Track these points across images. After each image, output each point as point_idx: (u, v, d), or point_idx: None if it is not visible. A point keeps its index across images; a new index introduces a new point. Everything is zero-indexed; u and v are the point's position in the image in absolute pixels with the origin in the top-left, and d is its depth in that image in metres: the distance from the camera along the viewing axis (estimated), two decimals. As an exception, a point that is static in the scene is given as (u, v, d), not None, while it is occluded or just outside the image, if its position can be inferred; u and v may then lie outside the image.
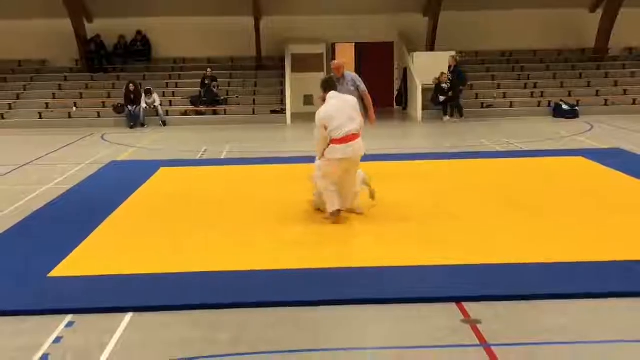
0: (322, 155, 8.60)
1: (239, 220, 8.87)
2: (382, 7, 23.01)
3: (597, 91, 22.42)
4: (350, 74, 11.07)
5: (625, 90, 22.47)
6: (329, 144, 8.47)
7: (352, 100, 8.81)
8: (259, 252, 7.46)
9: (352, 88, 10.66)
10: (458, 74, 20.91)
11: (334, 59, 9.16)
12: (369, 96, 10.91)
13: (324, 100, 8.77)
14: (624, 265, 6.71)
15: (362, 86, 10.84)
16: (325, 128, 8.42)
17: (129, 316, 5.81)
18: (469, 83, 21.87)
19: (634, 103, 21.85)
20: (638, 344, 5.11)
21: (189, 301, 6.05)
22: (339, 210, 8.59)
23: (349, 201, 8.89)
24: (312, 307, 5.91)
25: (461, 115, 20.67)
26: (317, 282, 6.48)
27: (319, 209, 9.06)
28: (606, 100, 21.98)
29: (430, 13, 23.12)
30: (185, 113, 22.01)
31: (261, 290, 6.30)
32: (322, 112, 8.52)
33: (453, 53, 21.36)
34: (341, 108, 8.53)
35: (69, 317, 5.81)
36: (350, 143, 8.40)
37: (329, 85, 8.97)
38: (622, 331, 5.31)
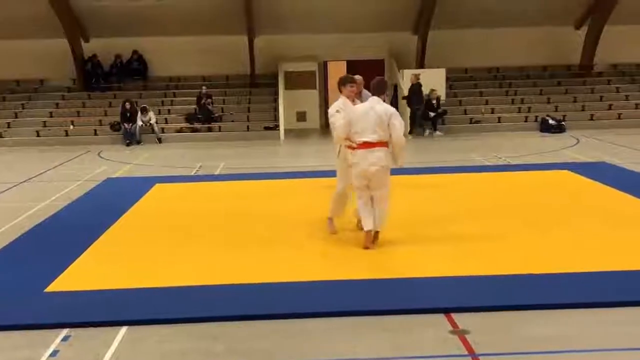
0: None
1: (232, 235, 8.88)
2: (373, 25, 23.12)
3: (583, 106, 22.55)
4: (367, 92, 11.09)
5: (610, 105, 22.60)
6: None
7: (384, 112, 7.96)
8: (251, 265, 7.47)
9: None
10: (414, 92, 20.94)
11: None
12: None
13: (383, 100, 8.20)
14: (609, 276, 6.74)
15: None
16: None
17: (124, 330, 5.80)
18: (458, 99, 21.97)
19: (619, 118, 21.97)
20: (622, 353, 5.12)
21: (183, 314, 6.06)
22: (369, 231, 8.01)
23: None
24: (303, 318, 5.93)
25: (410, 133, 20.29)
26: (307, 294, 6.50)
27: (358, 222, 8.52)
28: (592, 115, 22.10)
29: (420, 31, 23.26)
30: (180, 130, 22.04)
31: (254, 302, 6.30)
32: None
33: (417, 72, 21.48)
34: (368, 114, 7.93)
35: (65, 331, 5.80)
36: (368, 149, 7.87)
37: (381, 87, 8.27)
38: (607, 340, 5.33)
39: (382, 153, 7.93)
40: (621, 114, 22.14)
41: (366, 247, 7.92)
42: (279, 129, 21.47)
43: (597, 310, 5.91)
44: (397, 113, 8.11)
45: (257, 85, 23.90)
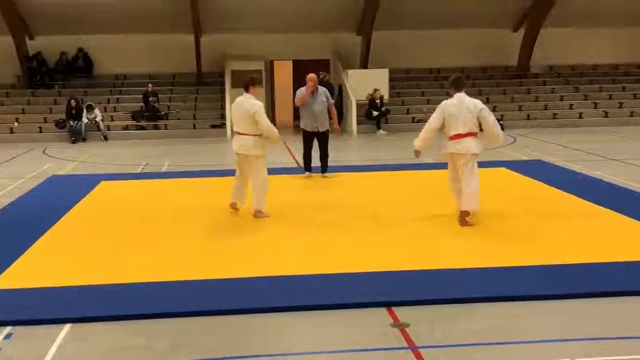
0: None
1: (177, 232, 8.78)
2: (318, 26, 23.17)
3: (520, 106, 22.98)
4: (322, 88, 12.50)
5: (545, 106, 23.08)
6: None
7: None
8: (196, 262, 7.41)
9: (324, 99, 12.14)
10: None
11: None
12: (334, 109, 12.58)
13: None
14: (546, 269, 6.88)
15: (332, 100, 12.49)
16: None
17: (67, 327, 5.68)
18: (401, 99, 22.16)
19: (554, 117, 22.46)
20: (558, 344, 5.22)
21: (128, 311, 5.96)
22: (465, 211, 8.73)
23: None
24: (246, 314, 5.89)
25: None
26: (250, 289, 6.46)
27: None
28: (528, 115, 22.54)
29: (363, 32, 23.38)
30: (126, 128, 21.72)
31: (198, 298, 6.24)
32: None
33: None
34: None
35: (7, 329, 5.66)
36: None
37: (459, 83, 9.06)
38: (544, 332, 5.43)
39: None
40: (556, 114, 22.63)
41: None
42: (225, 127, 21.34)
43: (536, 303, 6.01)
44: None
45: (204, 84, 23.72)
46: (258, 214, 9.43)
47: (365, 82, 21.68)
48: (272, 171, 13.37)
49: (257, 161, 9.42)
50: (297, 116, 26.00)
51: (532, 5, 23.31)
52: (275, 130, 9.54)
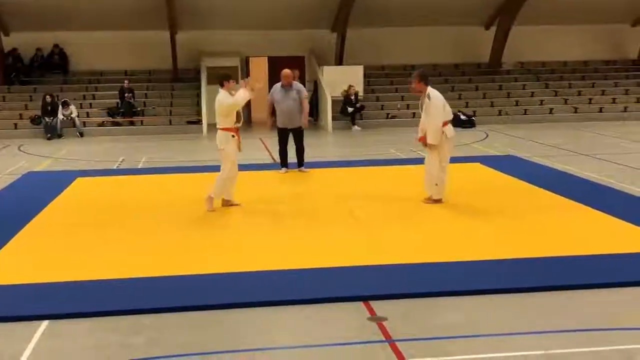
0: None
1: (154, 228, 8.71)
2: (293, 23, 23.08)
3: (492, 102, 23.11)
4: (297, 83, 12.59)
5: (517, 102, 23.23)
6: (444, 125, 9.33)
7: None
8: (172, 257, 7.33)
9: (296, 96, 12.26)
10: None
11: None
12: (306, 102, 12.55)
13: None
14: (519, 262, 6.91)
15: (304, 94, 12.48)
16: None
17: (44, 324, 5.60)
18: (375, 95, 22.18)
19: (525, 113, 22.61)
20: (532, 336, 5.24)
21: (105, 307, 5.89)
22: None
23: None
24: (222, 309, 5.85)
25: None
26: (226, 285, 6.41)
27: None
28: (500, 110, 22.67)
29: (338, 29, 23.35)
30: (102, 124, 21.50)
31: (176, 294, 6.18)
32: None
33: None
34: None
35: (-17, 327, 5.56)
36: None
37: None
38: (518, 324, 5.45)
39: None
40: (527, 109, 22.79)
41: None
42: (202, 123, 21.21)
43: (506, 296, 6.03)
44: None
45: (180, 80, 23.54)
46: (207, 200, 9.57)
47: (340, 79, 21.66)
48: (248, 167, 13.42)
49: (221, 153, 9.77)
50: (272, 112, 25.98)
51: (503, 2, 23.42)
52: (241, 94, 9.53)
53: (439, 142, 9.45)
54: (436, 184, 9.61)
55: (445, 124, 9.44)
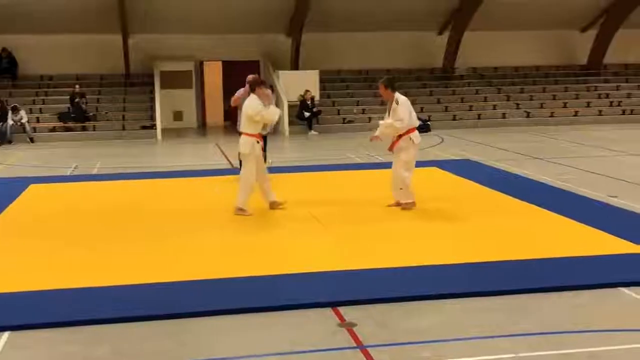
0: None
1: (112, 235, 8.54)
2: (248, 27, 22.99)
3: (446, 107, 23.37)
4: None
5: (470, 107, 23.53)
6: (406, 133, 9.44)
7: None
8: (136, 265, 7.21)
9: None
10: None
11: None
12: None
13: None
14: (482, 266, 6.98)
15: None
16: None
17: (6, 335, 5.44)
18: (332, 100, 22.24)
19: (478, 118, 22.92)
20: (497, 340, 5.29)
21: (68, 317, 5.75)
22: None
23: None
24: (189, 318, 5.76)
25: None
26: (192, 293, 6.33)
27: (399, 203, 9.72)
28: (454, 115, 22.93)
29: (293, 34, 23.34)
30: (53, 129, 21.08)
31: (141, 303, 6.07)
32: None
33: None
34: None
35: (-59, 340, 5.38)
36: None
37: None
38: (487, 328, 5.48)
39: None
40: (480, 114, 23.11)
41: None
42: (155, 128, 20.97)
43: (473, 299, 6.08)
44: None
45: (133, 85, 23.23)
46: (238, 212, 9.42)
47: (296, 84, 21.65)
48: (204, 173, 13.34)
49: (244, 158, 9.61)
50: (227, 117, 25.86)
51: (456, 8, 23.71)
52: (272, 112, 9.49)
53: (383, 136, 9.74)
54: (400, 188, 9.68)
55: (411, 130, 9.55)
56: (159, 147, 19.43)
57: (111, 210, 10.08)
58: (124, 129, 21.39)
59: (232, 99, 12.10)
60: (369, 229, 8.68)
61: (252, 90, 9.54)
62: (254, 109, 9.33)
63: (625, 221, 8.81)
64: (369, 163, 14.74)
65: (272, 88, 21.47)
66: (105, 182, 12.64)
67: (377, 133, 9.77)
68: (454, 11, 23.86)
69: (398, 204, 9.76)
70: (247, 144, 9.42)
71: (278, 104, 22.09)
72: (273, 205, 9.74)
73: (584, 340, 5.27)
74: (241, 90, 11.97)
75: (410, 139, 9.55)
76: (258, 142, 9.50)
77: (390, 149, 9.80)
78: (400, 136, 9.56)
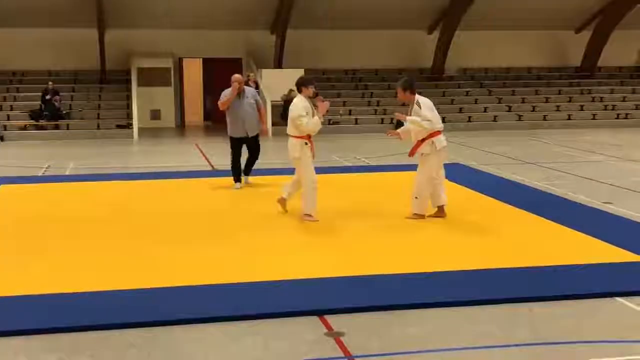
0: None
1: (87, 239, 8.50)
2: (230, 23, 23.01)
3: (436, 109, 23.41)
4: (250, 89, 12.18)
5: (460, 109, 23.68)
6: (429, 137, 9.12)
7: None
8: (111, 271, 7.17)
9: (252, 102, 11.78)
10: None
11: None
12: (264, 110, 12.25)
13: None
14: (475, 274, 7.02)
15: (260, 100, 12.10)
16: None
17: (-22, 344, 5.42)
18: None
19: (469, 120, 23.06)
20: (488, 350, 5.33)
21: (43, 325, 5.72)
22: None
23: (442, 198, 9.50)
24: (170, 326, 5.75)
25: None
26: (177, 300, 6.32)
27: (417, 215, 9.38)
28: (444, 117, 22.82)
29: (278, 31, 23.37)
30: (24, 128, 20.97)
31: (118, 310, 6.05)
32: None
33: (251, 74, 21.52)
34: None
35: None
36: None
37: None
38: (478, 337, 5.53)
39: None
40: (471, 117, 23.25)
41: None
42: (132, 128, 20.92)
43: (472, 308, 6.11)
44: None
45: (109, 82, 23.19)
46: (305, 217, 9.34)
47: (279, 83, 21.69)
48: (183, 174, 13.31)
49: (296, 163, 9.47)
50: (207, 117, 25.83)
51: (447, 6, 23.85)
52: (314, 123, 9.26)
53: (404, 134, 9.44)
54: (415, 197, 9.30)
55: (434, 134, 9.21)
56: (136, 147, 19.37)
57: (85, 212, 10.03)
58: (98, 128, 21.33)
59: (220, 102, 11.65)
60: (357, 235, 8.69)
61: (299, 90, 9.39)
62: (297, 112, 9.14)
63: (620, 229, 8.89)
64: (356, 166, 14.78)
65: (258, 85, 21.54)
66: (79, 183, 12.59)
67: (402, 128, 9.45)
68: (445, 9, 24.00)
69: (437, 215, 9.44)
70: (296, 147, 9.27)
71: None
72: (281, 202, 9.77)
73: (579, 351, 5.32)
74: (227, 92, 11.64)
75: (433, 143, 9.18)
76: (307, 143, 9.31)
77: (411, 154, 9.42)
78: (421, 140, 9.19)
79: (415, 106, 9.19)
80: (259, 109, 11.95)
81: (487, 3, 23.14)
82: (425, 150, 9.19)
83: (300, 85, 9.42)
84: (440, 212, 9.48)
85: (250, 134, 11.88)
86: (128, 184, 12.48)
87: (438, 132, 9.24)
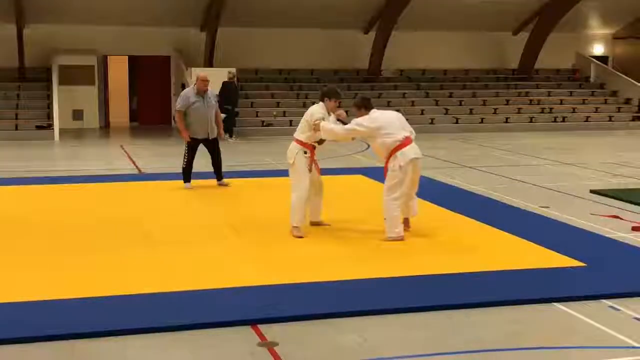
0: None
1: (15, 246, 8.27)
2: (158, 19, 22.76)
3: (372, 111, 23.61)
4: (211, 90, 12.19)
5: (397, 111, 23.82)
6: (392, 152, 8.69)
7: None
8: (37, 281, 6.98)
9: (214, 103, 12.01)
10: (230, 92, 20.50)
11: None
12: (220, 113, 12.43)
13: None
14: (411, 280, 7.09)
15: (216, 103, 12.21)
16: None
17: None
18: (249, 100, 22.22)
19: (406, 123, 23.27)
20: (427, 358, 5.38)
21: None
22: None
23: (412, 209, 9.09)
24: (95, 338, 5.61)
25: (230, 136, 19.90)
26: (100, 311, 6.17)
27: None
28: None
29: (208, 28, 23.20)
30: None
31: (39, 322, 5.88)
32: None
33: (232, 70, 21.46)
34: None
35: None
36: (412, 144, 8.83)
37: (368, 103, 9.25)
38: (416, 346, 5.57)
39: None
40: (408, 119, 23.35)
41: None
42: (53, 129, 20.49)
43: (408, 315, 6.17)
44: None
45: (27, 80, 22.65)
46: (294, 231, 8.88)
47: (210, 82, 21.42)
48: (107, 178, 13.08)
49: (290, 169, 9.13)
50: (134, 117, 25.47)
51: (383, 6, 24.06)
52: (331, 129, 8.85)
53: (326, 135, 8.90)
54: (384, 218, 8.76)
55: (398, 146, 8.72)
56: (57, 149, 18.98)
57: (9, 218, 9.75)
58: (17, 128, 20.86)
59: (180, 105, 11.80)
60: (291, 241, 8.67)
61: (322, 99, 9.09)
62: (314, 115, 8.85)
63: (557, 233, 9.10)
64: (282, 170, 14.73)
65: (184, 87, 21.36)
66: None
67: (324, 123, 8.87)
68: (381, 8, 24.20)
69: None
70: (292, 152, 8.95)
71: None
72: (314, 224, 9.34)
73: (518, 358, 5.41)
74: (188, 91, 11.86)
75: (396, 157, 8.66)
76: (306, 152, 8.91)
77: (384, 173, 8.91)
78: (388, 156, 8.75)
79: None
80: (216, 112, 12.12)
81: (423, 3, 23.44)
82: (393, 167, 8.69)
83: (324, 95, 9.08)
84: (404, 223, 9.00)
85: (212, 136, 12.02)
86: (49, 188, 12.17)
87: (402, 144, 8.75)
